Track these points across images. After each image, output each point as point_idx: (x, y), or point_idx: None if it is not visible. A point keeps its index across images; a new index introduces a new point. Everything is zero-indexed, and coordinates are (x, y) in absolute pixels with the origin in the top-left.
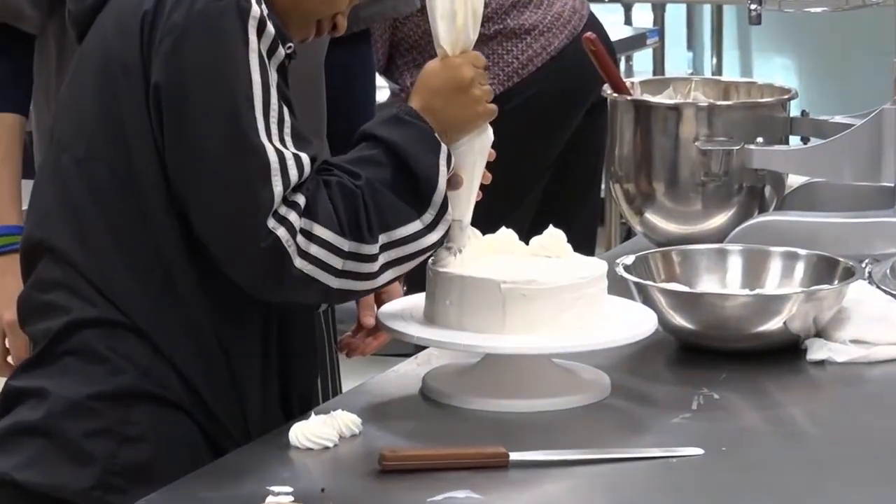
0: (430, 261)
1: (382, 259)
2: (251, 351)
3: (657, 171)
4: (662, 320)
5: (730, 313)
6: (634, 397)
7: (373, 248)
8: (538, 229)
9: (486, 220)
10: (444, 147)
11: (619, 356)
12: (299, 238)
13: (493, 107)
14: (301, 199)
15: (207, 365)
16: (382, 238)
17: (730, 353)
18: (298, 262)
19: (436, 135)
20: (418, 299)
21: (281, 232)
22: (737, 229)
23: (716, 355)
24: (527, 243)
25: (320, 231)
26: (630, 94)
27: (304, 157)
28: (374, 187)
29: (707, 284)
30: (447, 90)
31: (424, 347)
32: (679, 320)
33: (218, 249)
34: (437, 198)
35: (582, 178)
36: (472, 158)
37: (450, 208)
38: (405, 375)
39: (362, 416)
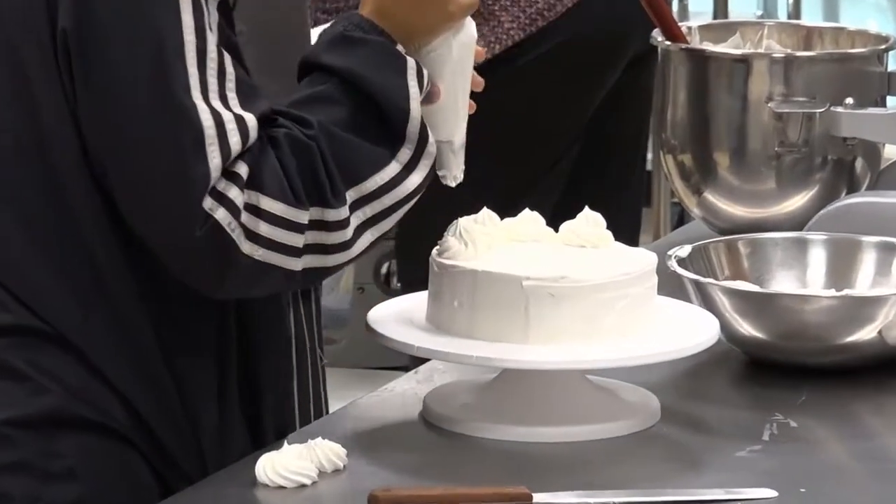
0: (434, 252)
1: (355, 221)
2: (205, 361)
3: (720, 140)
4: (726, 328)
5: (811, 319)
6: (690, 424)
7: (341, 212)
8: (567, 212)
9: (503, 199)
10: (410, 61)
11: (672, 373)
12: (244, 217)
13: (470, 0)
14: (243, 168)
15: (150, 381)
16: (351, 195)
17: (811, 370)
18: (247, 248)
19: (397, 47)
20: (419, 299)
21: (220, 213)
22: (820, 213)
23: (793, 372)
24: (556, 229)
25: (269, 204)
26: (686, 43)
27: (249, 118)
28: (331, 133)
29: (783, 283)
30: None
31: (426, 360)
32: (747, 328)
33: (148, 238)
34: (412, 128)
35: (623, 147)
36: (451, 64)
37: (431, 136)
38: (402, 395)
39: (347, 446)
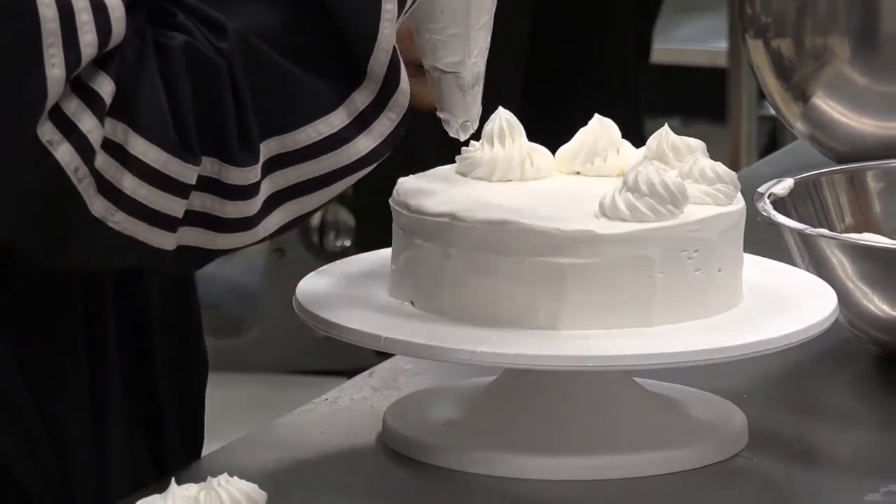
0: (401, 185)
1: (268, 188)
2: (69, 370)
3: (838, 16)
4: (848, 304)
5: None
6: (792, 453)
7: (248, 174)
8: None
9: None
10: None
11: (765, 374)
12: (101, 160)
13: None
14: (106, 86)
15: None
16: (271, 147)
17: None
18: (99, 208)
19: None
20: (377, 260)
21: (63, 152)
22: None
23: None
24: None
25: (142, 148)
26: None
27: (115, 4)
28: (253, 49)
29: None
30: None
31: (387, 356)
32: (880, 305)
33: None
34: (377, 64)
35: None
36: None
37: (404, 79)
38: (349, 410)
39: (267, 487)
